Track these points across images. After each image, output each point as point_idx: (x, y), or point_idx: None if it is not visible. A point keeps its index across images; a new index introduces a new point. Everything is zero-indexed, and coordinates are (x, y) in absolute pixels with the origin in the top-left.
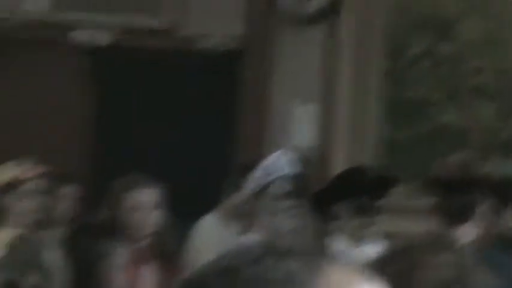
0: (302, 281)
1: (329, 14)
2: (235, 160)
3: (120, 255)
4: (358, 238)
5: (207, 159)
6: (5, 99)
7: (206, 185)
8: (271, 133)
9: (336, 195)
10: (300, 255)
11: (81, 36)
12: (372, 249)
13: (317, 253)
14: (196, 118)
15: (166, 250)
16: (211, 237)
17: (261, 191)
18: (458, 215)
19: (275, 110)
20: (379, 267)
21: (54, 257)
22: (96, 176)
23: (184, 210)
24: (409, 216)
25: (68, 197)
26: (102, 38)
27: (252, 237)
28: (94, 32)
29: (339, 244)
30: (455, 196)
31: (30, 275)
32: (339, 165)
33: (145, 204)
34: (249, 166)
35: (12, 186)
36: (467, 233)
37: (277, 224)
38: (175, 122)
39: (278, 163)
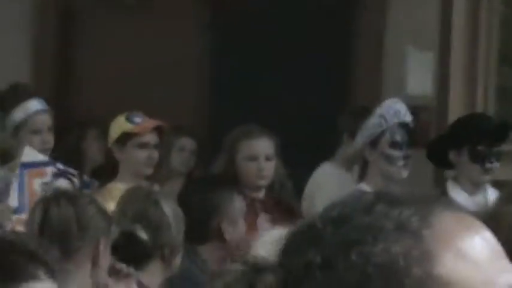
0: (414, 230)
1: None
2: (348, 106)
3: (237, 206)
4: (475, 186)
5: (320, 107)
6: (121, 51)
7: (320, 133)
8: (386, 79)
9: (454, 143)
10: (412, 203)
11: None
12: (488, 198)
13: (430, 201)
14: (310, 63)
15: (283, 200)
16: (328, 186)
17: (377, 139)
18: None
19: (390, 55)
20: (493, 216)
21: (168, 210)
22: (213, 129)
23: (300, 160)
24: None
25: (184, 149)
26: None
27: (366, 186)
28: None
29: (455, 192)
30: None
31: (142, 229)
32: (454, 114)
33: (261, 154)
34: (362, 112)
35: (125, 138)
36: None
37: (392, 172)
38: (290, 68)
39: (394, 110)
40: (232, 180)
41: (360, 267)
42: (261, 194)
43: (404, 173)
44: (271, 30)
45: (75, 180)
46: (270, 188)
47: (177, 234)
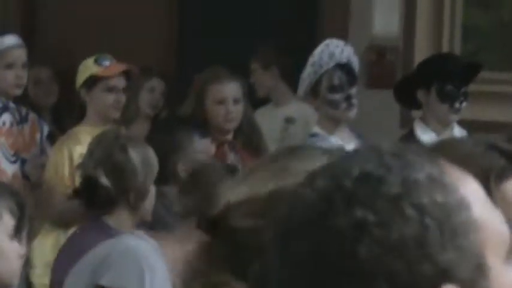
0: (441, 180)
1: None
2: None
3: (197, 147)
4: (442, 125)
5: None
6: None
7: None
8: (352, 19)
9: (421, 83)
10: (410, 154)
11: None
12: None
13: (424, 151)
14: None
15: (252, 141)
16: None
17: (315, 87)
18: None
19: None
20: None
21: (134, 154)
22: (181, 70)
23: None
24: (495, 103)
25: (154, 91)
26: None
27: (319, 129)
28: None
29: (423, 132)
30: None
31: (104, 173)
32: (421, 54)
33: (229, 97)
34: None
35: (93, 81)
36: None
37: (338, 116)
38: (261, 4)
39: (327, 53)
40: (201, 123)
41: (417, 219)
42: (230, 136)
43: (351, 114)
44: None
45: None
46: (238, 129)
47: (144, 179)
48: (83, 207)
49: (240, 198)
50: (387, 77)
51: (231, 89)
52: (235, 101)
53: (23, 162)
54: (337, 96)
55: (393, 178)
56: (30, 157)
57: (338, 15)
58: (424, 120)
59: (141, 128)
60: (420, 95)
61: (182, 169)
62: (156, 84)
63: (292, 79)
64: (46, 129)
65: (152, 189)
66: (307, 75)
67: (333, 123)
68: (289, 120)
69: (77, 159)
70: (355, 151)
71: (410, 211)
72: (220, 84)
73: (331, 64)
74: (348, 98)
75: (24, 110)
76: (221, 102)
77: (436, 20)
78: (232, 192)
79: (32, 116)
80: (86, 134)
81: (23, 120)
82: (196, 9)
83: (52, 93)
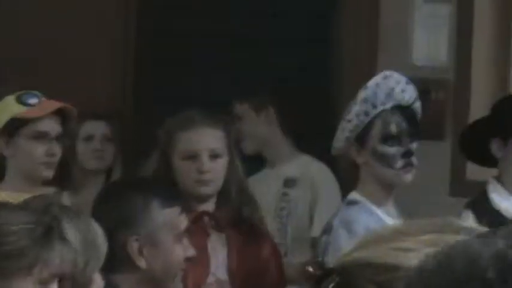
0: None
1: None
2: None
3: (177, 221)
4: None
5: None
6: (28, 22)
7: None
8: (382, 44)
9: (496, 132)
10: None
11: None
12: None
13: None
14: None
15: (242, 214)
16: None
17: (364, 133)
18: None
19: (389, 10)
20: None
21: (71, 231)
22: (140, 115)
23: None
24: None
25: (91, 138)
26: None
27: (358, 195)
28: None
29: (498, 195)
30: None
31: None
32: (479, 92)
33: (202, 149)
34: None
35: (15, 126)
36: None
37: (389, 176)
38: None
39: (385, 89)
40: (170, 186)
41: None
42: (211, 206)
43: (407, 177)
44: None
45: None
46: (223, 197)
47: (85, 266)
48: None
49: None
50: (434, 124)
51: (205, 138)
52: (214, 156)
53: None
54: (393, 150)
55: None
56: None
57: (361, 40)
58: (500, 181)
59: (90, 194)
60: (496, 146)
61: (134, 248)
62: (93, 128)
63: (291, 128)
64: None
65: (97, 279)
66: (354, 115)
67: (381, 187)
68: (288, 183)
69: None
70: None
71: None
72: (189, 132)
73: (389, 105)
74: (407, 155)
75: None
76: (191, 156)
77: (500, 41)
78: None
79: None
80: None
81: None
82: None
83: None
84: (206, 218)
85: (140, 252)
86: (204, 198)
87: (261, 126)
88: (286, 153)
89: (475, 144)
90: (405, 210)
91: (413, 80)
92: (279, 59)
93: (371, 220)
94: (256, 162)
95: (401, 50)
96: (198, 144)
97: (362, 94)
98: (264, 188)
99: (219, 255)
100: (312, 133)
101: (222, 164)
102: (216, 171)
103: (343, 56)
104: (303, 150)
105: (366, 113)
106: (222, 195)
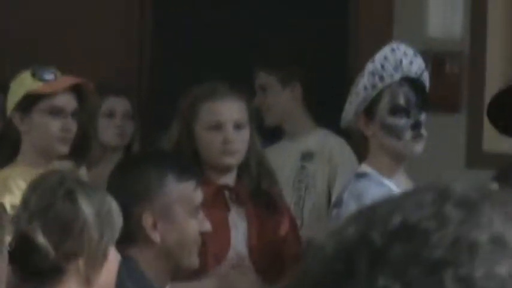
0: None
1: None
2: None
3: (192, 196)
4: None
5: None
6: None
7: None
8: (398, 16)
9: None
10: (488, 201)
11: None
12: None
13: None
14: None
15: (262, 187)
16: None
17: (372, 105)
18: None
19: None
20: None
21: (86, 204)
22: (159, 86)
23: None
24: None
25: (113, 114)
26: None
27: (368, 167)
28: None
29: None
30: None
31: (41, 230)
32: (494, 64)
33: (227, 120)
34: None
35: (30, 102)
36: None
37: (398, 148)
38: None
39: (393, 62)
40: (189, 158)
41: None
42: (231, 179)
43: (417, 148)
44: None
45: None
46: (244, 170)
47: (100, 239)
48: (17, 278)
49: None
50: (449, 96)
51: (229, 109)
52: (238, 126)
53: None
54: (402, 122)
55: (442, 237)
56: None
57: (377, 12)
58: None
59: (107, 169)
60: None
61: (148, 223)
62: (115, 105)
63: (313, 102)
64: None
65: (112, 253)
66: (361, 88)
67: (391, 159)
68: (306, 157)
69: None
70: (413, 190)
71: (453, 285)
72: (214, 103)
73: (397, 77)
74: (416, 126)
75: None
76: (216, 127)
77: None
78: None
79: None
80: (19, 178)
81: None
82: None
83: None
84: (227, 192)
85: (154, 227)
86: (227, 169)
87: (286, 100)
88: (306, 126)
89: (502, 113)
90: (421, 183)
91: (428, 52)
92: (295, 34)
93: (381, 192)
94: (273, 134)
95: (416, 23)
96: (222, 114)
97: (369, 67)
98: (281, 160)
99: (239, 230)
100: (330, 107)
101: (245, 134)
102: (240, 141)
103: (360, 29)
104: (322, 124)
105: (374, 86)
106: (241, 168)
